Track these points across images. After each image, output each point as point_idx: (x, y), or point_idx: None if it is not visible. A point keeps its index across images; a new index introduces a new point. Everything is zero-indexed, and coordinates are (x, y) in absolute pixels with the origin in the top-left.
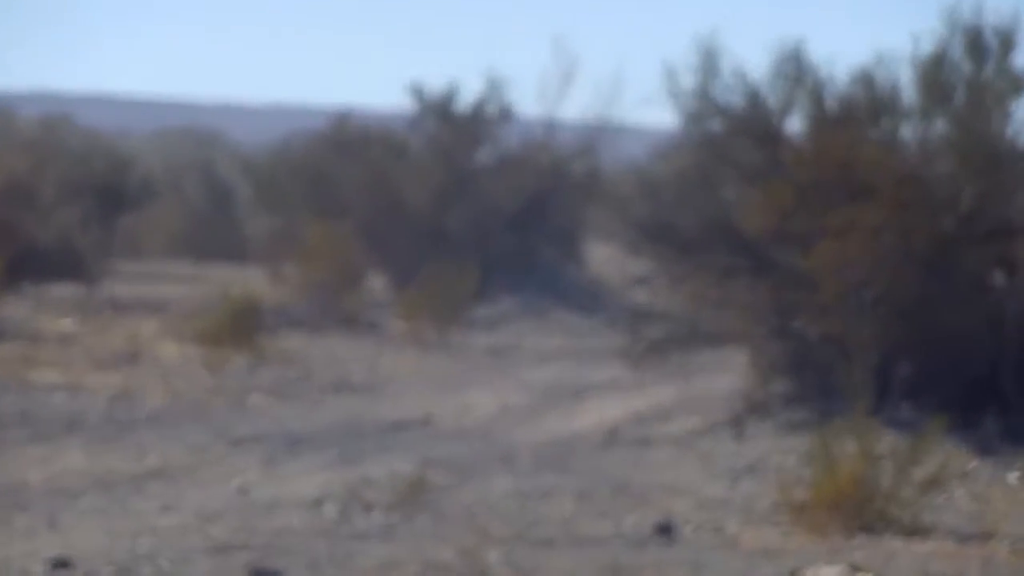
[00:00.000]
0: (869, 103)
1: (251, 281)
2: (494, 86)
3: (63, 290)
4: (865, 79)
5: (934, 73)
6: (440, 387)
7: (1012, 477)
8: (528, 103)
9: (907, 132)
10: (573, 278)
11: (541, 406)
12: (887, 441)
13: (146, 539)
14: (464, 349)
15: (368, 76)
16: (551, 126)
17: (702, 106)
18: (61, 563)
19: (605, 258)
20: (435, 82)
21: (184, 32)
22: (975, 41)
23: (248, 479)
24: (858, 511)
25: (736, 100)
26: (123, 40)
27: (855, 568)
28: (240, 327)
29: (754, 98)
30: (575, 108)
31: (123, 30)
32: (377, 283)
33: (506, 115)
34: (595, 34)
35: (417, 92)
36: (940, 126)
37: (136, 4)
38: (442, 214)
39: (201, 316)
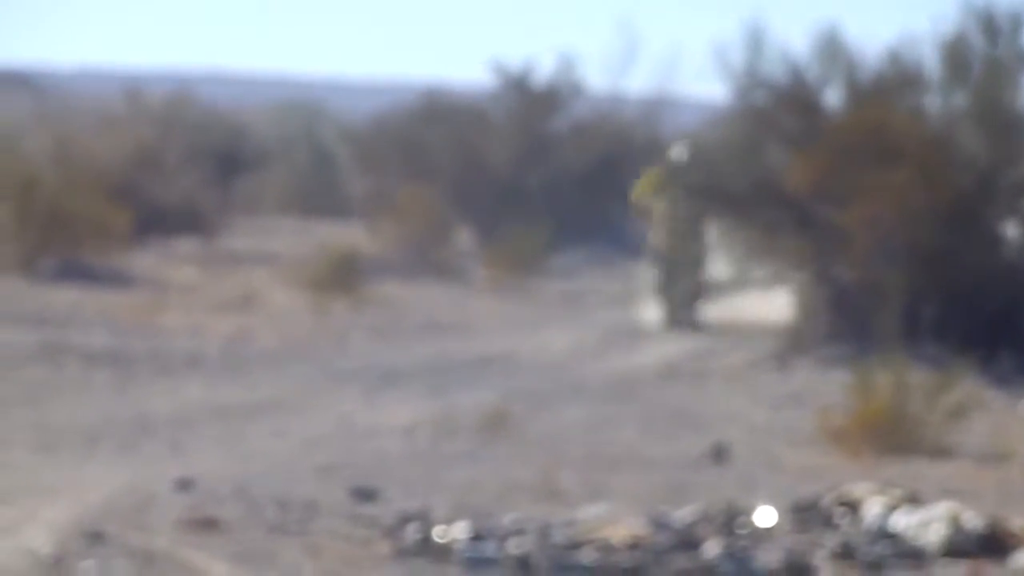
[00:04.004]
0: (897, 78)
1: (352, 235)
2: (566, 63)
3: (185, 244)
4: (893, 57)
5: (954, 51)
6: (519, 328)
7: None
8: (596, 77)
9: (931, 103)
10: (636, 231)
11: (608, 344)
12: (915, 374)
13: (259, 461)
14: (540, 294)
15: (453, 54)
16: (616, 98)
17: (749, 81)
18: (184, 483)
19: None
20: (513, 59)
21: (291, 14)
22: (989, 23)
23: (349, 409)
24: (890, 435)
25: (780, 75)
26: (239, 21)
27: (887, 485)
28: (342, 275)
29: (796, 74)
30: (638, 82)
31: (240, 13)
32: (463, 236)
33: (576, 89)
34: (655, 15)
35: (498, 69)
36: (959, 97)
37: None
38: (520, 176)
39: (308, 266)
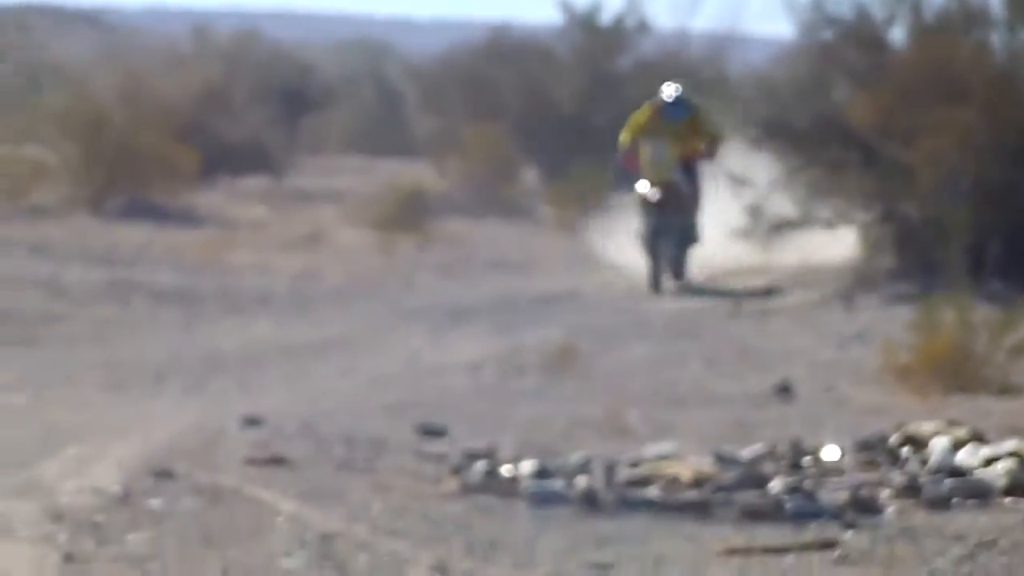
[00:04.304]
0: (962, 15)
1: (418, 174)
2: (633, 1)
3: (253, 182)
4: None
5: None
6: (584, 266)
7: None
8: (663, 16)
9: (995, 40)
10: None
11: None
12: (980, 312)
13: (327, 399)
14: (605, 232)
15: None
16: (683, 36)
17: (816, 18)
18: (252, 420)
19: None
20: None
21: None
22: None
23: (416, 347)
24: (955, 373)
25: (845, 12)
26: None
27: (952, 423)
28: (409, 213)
29: (861, 10)
30: (705, 20)
31: None
32: (529, 175)
33: (643, 27)
34: None
35: (565, 7)
36: None
37: None
38: (587, 114)
39: (374, 204)
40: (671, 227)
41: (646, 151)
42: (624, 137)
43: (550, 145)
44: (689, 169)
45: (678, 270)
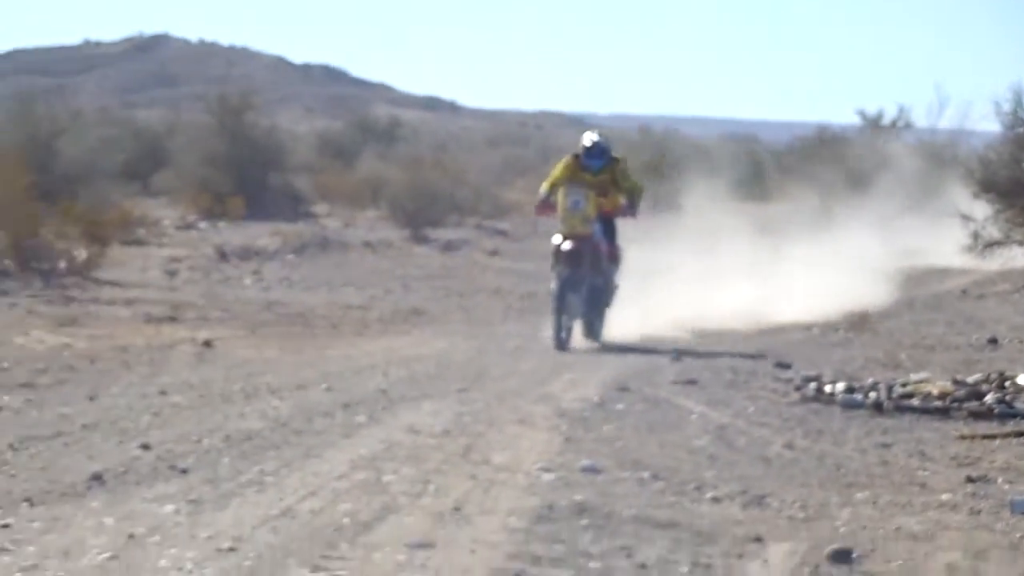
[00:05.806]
0: None
1: (771, 211)
2: (902, 109)
3: (667, 218)
4: None
5: None
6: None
7: None
8: (921, 118)
9: None
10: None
11: (925, 277)
12: None
13: (720, 345)
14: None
15: (836, 104)
16: (933, 131)
17: (1013, 118)
18: (677, 358)
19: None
20: (870, 107)
21: (741, 79)
22: None
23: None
24: None
25: None
26: (710, 79)
27: None
28: (767, 231)
29: None
30: (947, 121)
31: (710, 76)
32: (839, 213)
33: (908, 125)
34: (958, 77)
35: (861, 113)
36: None
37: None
38: (874, 178)
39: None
40: (581, 282)
41: (563, 199)
42: (544, 186)
43: (851, 195)
44: (609, 225)
45: (591, 329)
